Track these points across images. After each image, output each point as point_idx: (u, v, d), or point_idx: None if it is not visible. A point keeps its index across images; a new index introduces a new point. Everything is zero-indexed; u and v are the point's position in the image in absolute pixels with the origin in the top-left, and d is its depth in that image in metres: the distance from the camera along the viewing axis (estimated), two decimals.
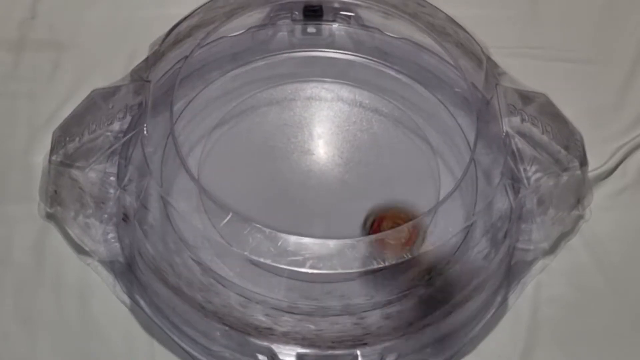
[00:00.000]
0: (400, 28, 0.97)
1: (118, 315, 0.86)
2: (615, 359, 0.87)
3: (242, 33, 0.98)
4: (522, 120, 0.88)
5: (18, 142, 0.95)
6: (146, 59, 0.92)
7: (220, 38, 0.96)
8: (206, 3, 0.94)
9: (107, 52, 1.02)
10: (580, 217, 0.92)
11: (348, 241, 0.79)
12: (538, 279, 0.89)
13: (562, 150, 0.88)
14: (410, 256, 0.79)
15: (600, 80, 1.03)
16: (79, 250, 0.88)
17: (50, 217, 0.90)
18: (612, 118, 1.00)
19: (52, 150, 0.87)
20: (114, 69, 0.98)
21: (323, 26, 1.00)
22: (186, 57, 0.90)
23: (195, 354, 0.84)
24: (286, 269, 0.79)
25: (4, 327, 0.85)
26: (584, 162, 0.89)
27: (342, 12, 0.99)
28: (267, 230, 0.79)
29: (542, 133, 0.88)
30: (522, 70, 0.95)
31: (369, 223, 0.89)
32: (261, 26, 0.98)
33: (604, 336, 0.87)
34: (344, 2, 0.98)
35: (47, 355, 0.85)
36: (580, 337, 0.87)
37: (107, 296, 0.87)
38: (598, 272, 0.90)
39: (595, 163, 0.94)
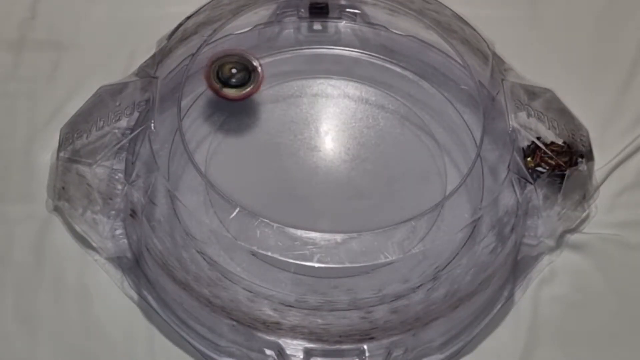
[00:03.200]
0: (406, 25, 0.97)
1: (119, 313, 0.86)
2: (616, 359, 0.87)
3: (249, 30, 0.98)
4: (528, 115, 0.88)
5: (18, 142, 0.95)
6: (153, 56, 0.92)
7: (227, 35, 0.96)
8: (212, 0, 0.94)
9: (107, 52, 1.02)
10: (586, 213, 0.92)
11: (355, 235, 0.79)
12: (539, 278, 0.89)
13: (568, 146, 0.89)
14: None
15: (601, 80, 1.02)
16: (87, 246, 0.88)
17: (57, 209, 0.90)
18: (614, 118, 0.99)
19: (60, 147, 0.88)
20: (113, 69, 0.98)
21: (329, 23, 1.00)
22: (193, 54, 0.91)
23: (203, 349, 0.84)
24: (293, 263, 0.80)
25: (4, 327, 0.85)
26: (590, 158, 0.89)
27: (348, 10, 1.00)
28: (275, 225, 0.79)
29: (549, 128, 0.88)
30: (523, 70, 0.95)
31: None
32: (267, 23, 0.99)
33: (604, 337, 0.87)
34: (350, 0, 0.99)
35: (47, 355, 0.84)
36: (581, 337, 0.87)
37: (108, 295, 0.87)
38: (599, 272, 0.90)
39: (596, 163, 0.94)
